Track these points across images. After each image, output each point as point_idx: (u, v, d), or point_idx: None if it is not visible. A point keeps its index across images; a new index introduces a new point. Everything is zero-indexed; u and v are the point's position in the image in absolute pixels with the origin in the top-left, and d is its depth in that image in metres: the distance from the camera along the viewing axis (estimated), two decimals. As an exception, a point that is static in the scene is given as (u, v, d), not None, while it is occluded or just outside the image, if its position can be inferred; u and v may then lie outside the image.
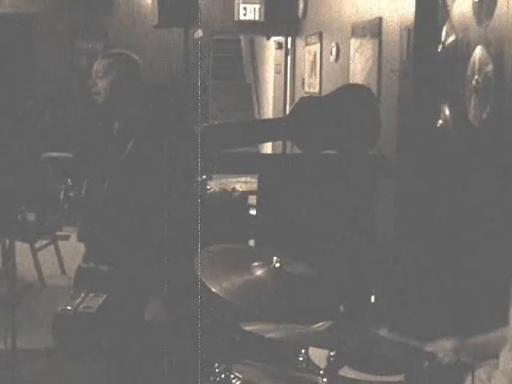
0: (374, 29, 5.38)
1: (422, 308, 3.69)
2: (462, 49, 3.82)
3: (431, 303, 3.76)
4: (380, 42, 5.25)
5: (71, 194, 3.27)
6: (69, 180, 3.28)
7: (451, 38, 3.97)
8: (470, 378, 2.20)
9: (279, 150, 9.00)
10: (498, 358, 2.19)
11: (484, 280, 3.29)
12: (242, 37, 13.21)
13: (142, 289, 3.29)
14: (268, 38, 10.06)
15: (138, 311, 3.37)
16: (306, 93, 7.85)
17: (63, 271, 5.82)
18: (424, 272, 4.06)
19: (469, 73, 3.67)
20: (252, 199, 5.14)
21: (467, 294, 3.53)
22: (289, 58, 9.18)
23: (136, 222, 3.19)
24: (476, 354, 2.18)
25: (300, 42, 8.50)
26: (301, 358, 2.30)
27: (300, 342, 2.22)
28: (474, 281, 3.49)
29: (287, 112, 8.60)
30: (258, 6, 8.69)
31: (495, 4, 3.41)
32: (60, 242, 5.93)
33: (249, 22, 8.78)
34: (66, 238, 6.30)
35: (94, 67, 3.26)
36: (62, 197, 3.28)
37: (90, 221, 3.34)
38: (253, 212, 5.02)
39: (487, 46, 3.50)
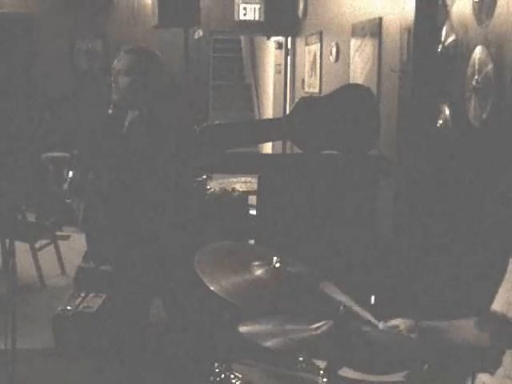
0: (373, 29, 5.38)
1: (421, 307, 3.69)
2: (462, 49, 3.82)
3: (431, 302, 3.76)
4: (380, 41, 5.25)
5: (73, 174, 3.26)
6: (70, 172, 3.27)
7: (451, 38, 3.97)
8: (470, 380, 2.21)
9: (279, 150, 9.01)
10: (459, 345, 2.22)
11: (484, 279, 3.29)
12: (242, 37, 13.22)
13: (144, 289, 3.28)
14: (268, 38, 10.06)
15: (142, 311, 3.36)
16: (306, 93, 7.85)
17: (63, 271, 5.82)
18: (424, 271, 4.06)
19: (469, 73, 3.67)
20: (252, 199, 5.14)
21: (467, 293, 3.53)
22: (289, 58, 9.19)
23: (136, 220, 3.19)
24: (431, 337, 2.18)
25: (300, 42, 8.50)
26: (301, 358, 2.30)
27: (297, 349, 2.20)
28: (474, 280, 3.49)
29: (287, 112, 8.61)
30: (257, 6, 8.70)
31: (495, 4, 3.41)
32: (60, 242, 5.93)
33: (249, 22, 8.79)
34: (66, 238, 6.30)
35: (116, 62, 3.22)
36: (66, 188, 3.28)
37: (94, 211, 3.31)
38: (253, 212, 5.02)
39: (487, 46, 3.50)
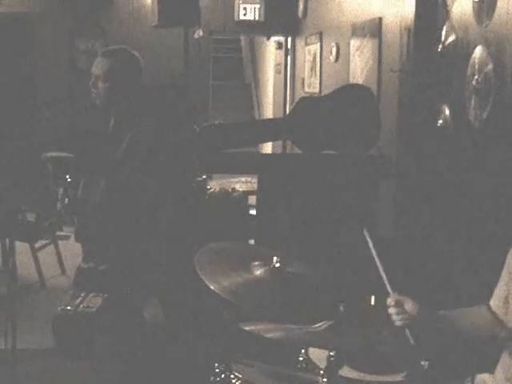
0: (374, 29, 5.38)
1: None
2: (462, 49, 3.82)
3: (431, 302, 3.76)
4: (380, 42, 5.25)
5: (70, 192, 3.26)
6: (67, 176, 3.27)
7: (451, 38, 3.97)
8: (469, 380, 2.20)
9: (279, 150, 9.01)
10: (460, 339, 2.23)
11: (485, 277, 3.29)
12: (242, 37, 13.21)
13: (140, 288, 3.29)
14: (268, 38, 10.06)
15: (138, 311, 3.37)
16: (306, 93, 7.85)
17: (63, 271, 5.82)
18: (424, 271, 4.05)
19: (469, 73, 3.66)
20: (252, 199, 5.14)
21: (467, 293, 3.53)
22: (289, 57, 9.19)
23: (133, 221, 3.19)
24: (438, 325, 2.19)
25: (300, 42, 8.50)
26: (301, 358, 2.30)
27: (300, 342, 2.22)
28: (475, 280, 3.48)
29: (287, 112, 8.61)
30: (257, 6, 8.70)
31: (495, 4, 3.41)
32: (60, 242, 5.92)
33: (249, 21, 8.78)
34: (66, 238, 6.29)
35: (94, 67, 3.22)
36: (61, 193, 3.28)
37: (87, 221, 3.33)
38: (253, 212, 5.02)
39: (487, 46, 3.50)
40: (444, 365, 2.28)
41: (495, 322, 2.14)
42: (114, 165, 3.20)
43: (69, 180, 3.27)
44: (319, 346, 2.23)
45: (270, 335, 2.07)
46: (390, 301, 2.20)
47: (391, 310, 2.18)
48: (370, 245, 2.30)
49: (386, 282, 2.25)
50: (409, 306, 2.18)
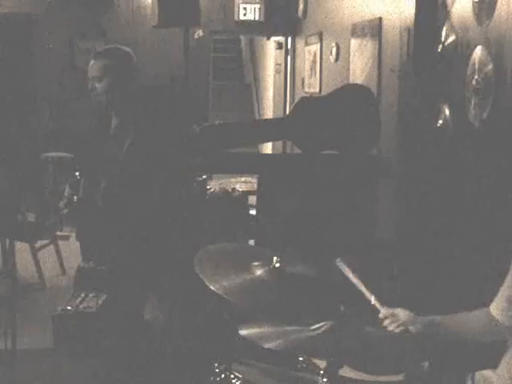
0: (374, 29, 5.38)
1: (422, 308, 3.68)
2: (462, 49, 3.82)
3: (432, 302, 3.76)
4: (380, 42, 5.25)
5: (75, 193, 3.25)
6: (77, 174, 3.26)
7: (451, 38, 3.97)
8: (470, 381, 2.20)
9: (279, 150, 9.02)
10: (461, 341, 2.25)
11: (485, 279, 3.29)
12: (241, 37, 13.22)
13: (140, 288, 3.29)
14: (268, 38, 10.06)
15: (138, 310, 3.37)
16: (306, 93, 7.85)
17: (63, 271, 5.82)
18: (425, 271, 4.06)
19: (469, 73, 3.67)
20: (252, 199, 5.14)
21: (468, 293, 3.53)
22: (289, 57, 9.19)
23: (134, 221, 3.19)
24: (433, 332, 2.20)
25: (300, 42, 8.50)
26: (301, 358, 2.30)
27: (298, 349, 2.21)
28: (475, 280, 3.49)
29: (287, 112, 8.61)
30: (257, 6, 8.70)
31: (495, 4, 3.41)
32: (60, 242, 5.93)
33: (249, 21, 8.79)
34: (66, 238, 6.30)
35: (89, 70, 3.23)
36: (66, 191, 3.27)
37: (88, 221, 3.33)
38: (253, 212, 5.02)
39: (487, 46, 3.50)
40: (444, 365, 2.28)
41: (495, 326, 2.13)
42: (116, 166, 3.20)
43: (78, 177, 3.27)
44: (318, 354, 2.22)
45: (268, 345, 2.06)
46: (381, 315, 2.24)
47: (385, 322, 2.22)
48: (348, 274, 2.33)
49: (373, 301, 2.28)
50: (402, 315, 2.22)
